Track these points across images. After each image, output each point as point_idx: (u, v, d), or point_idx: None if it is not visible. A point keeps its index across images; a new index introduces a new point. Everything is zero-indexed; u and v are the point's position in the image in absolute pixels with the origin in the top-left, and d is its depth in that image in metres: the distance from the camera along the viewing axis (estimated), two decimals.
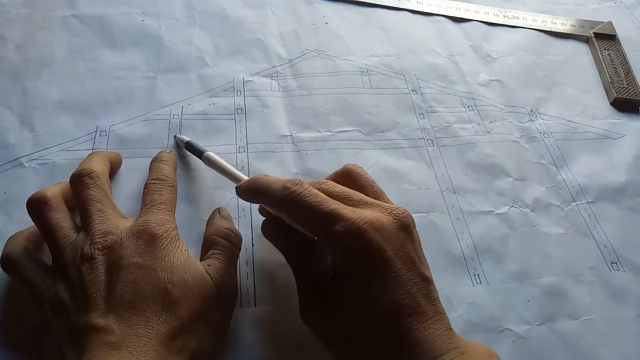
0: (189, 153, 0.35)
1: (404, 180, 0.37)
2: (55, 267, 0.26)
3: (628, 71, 0.47)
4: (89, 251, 0.25)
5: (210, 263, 0.27)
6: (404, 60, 0.46)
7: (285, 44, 0.45)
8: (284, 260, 0.29)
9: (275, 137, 0.38)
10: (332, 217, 0.25)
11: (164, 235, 0.27)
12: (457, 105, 0.43)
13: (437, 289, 0.26)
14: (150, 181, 0.30)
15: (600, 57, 0.48)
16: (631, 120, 0.44)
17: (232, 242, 0.29)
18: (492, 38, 0.49)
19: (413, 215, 0.27)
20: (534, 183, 0.38)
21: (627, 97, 0.45)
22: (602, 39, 0.50)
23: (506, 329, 0.31)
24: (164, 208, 0.29)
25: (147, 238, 0.26)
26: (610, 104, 0.45)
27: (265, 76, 0.42)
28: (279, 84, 0.42)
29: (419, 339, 0.23)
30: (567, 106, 0.44)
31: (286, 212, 0.27)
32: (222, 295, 0.27)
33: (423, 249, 0.27)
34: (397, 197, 0.36)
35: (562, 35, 0.51)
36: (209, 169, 0.34)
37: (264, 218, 0.30)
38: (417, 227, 0.27)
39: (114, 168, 0.33)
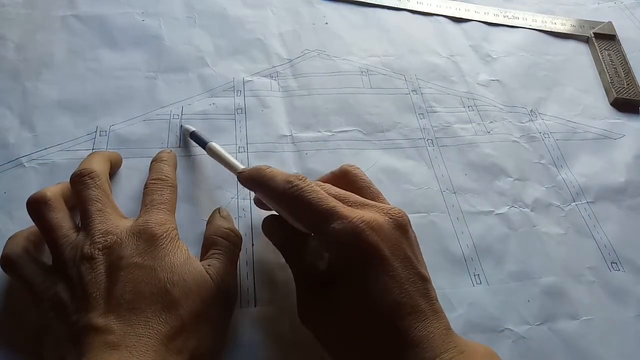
0: (189, 153, 0.35)
1: (404, 180, 0.37)
2: (55, 267, 0.26)
3: (628, 71, 0.47)
4: (89, 251, 0.25)
5: (211, 263, 0.27)
6: (404, 60, 0.46)
7: (285, 44, 0.45)
8: (284, 260, 0.29)
9: (275, 137, 0.38)
10: (330, 215, 0.25)
11: (164, 235, 0.27)
12: (457, 105, 0.43)
13: (437, 288, 0.26)
14: (151, 181, 0.30)
15: (600, 57, 0.48)
16: (631, 120, 0.44)
17: (232, 242, 0.29)
18: (492, 38, 0.49)
19: (413, 215, 0.27)
20: (534, 183, 0.38)
21: (627, 97, 0.45)
22: (602, 39, 0.50)
23: (506, 329, 0.31)
24: (164, 208, 0.29)
25: (147, 238, 0.26)
26: (610, 104, 0.45)
27: (265, 76, 0.42)
28: (279, 84, 0.42)
29: (417, 338, 0.23)
30: (567, 106, 0.44)
31: (286, 206, 0.27)
32: (222, 295, 0.27)
33: (423, 249, 0.27)
34: (397, 197, 0.36)
35: (562, 35, 0.51)
36: (209, 168, 0.34)
37: (265, 216, 0.30)
38: (417, 227, 0.27)
39: (114, 168, 0.33)
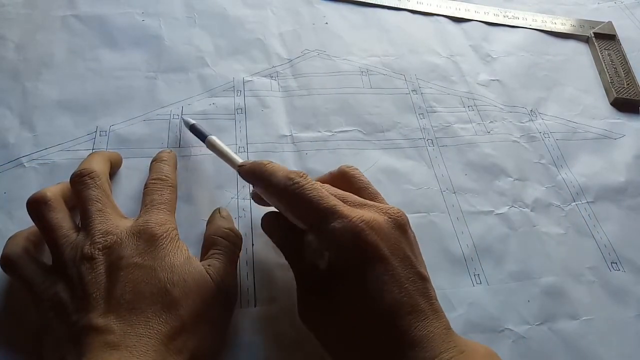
0: (189, 153, 0.35)
1: (404, 180, 0.37)
2: (55, 267, 0.26)
3: (628, 71, 0.47)
4: (89, 251, 0.25)
5: (211, 263, 0.27)
6: (404, 60, 0.46)
7: (285, 44, 0.45)
8: (284, 260, 0.29)
9: (275, 137, 0.38)
10: (331, 213, 0.25)
11: (164, 235, 0.27)
12: (457, 105, 0.43)
13: (437, 288, 0.26)
14: (151, 181, 0.30)
15: (600, 57, 0.48)
16: (631, 120, 0.44)
17: (233, 242, 0.29)
18: (492, 38, 0.49)
19: (413, 215, 0.27)
20: (534, 183, 0.38)
21: (627, 97, 0.45)
22: (602, 39, 0.50)
23: (506, 328, 0.31)
24: (164, 208, 0.29)
25: (147, 238, 0.26)
26: (610, 104, 0.45)
27: (265, 76, 0.42)
28: (279, 84, 0.42)
29: (417, 337, 0.23)
30: (567, 106, 0.44)
31: (286, 202, 0.27)
32: (222, 295, 0.27)
33: (423, 249, 0.27)
34: (397, 197, 0.36)
35: (562, 35, 0.51)
36: (209, 168, 0.34)
37: (264, 213, 0.30)
38: (417, 227, 0.27)
39: (114, 168, 0.33)
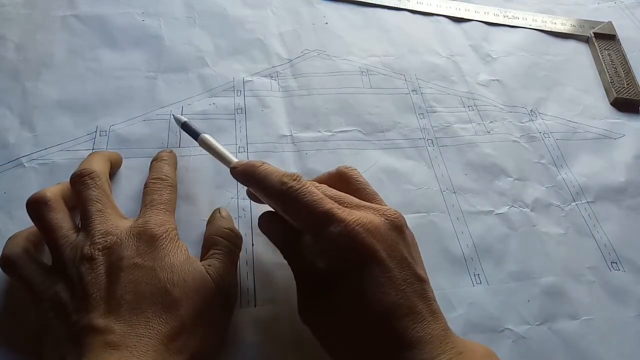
0: (189, 153, 0.35)
1: (404, 180, 0.37)
2: (55, 267, 0.26)
3: (628, 71, 0.47)
4: (89, 251, 0.25)
5: (211, 263, 0.27)
6: (404, 60, 0.46)
7: (285, 44, 0.45)
8: (284, 260, 0.29)
9: (275, 137, 0.38)
10: (326, 218, 0.25)
11: (164, 235, 0.27)
12: (457, 105, 0.43)
13: (437, 288, 0.26)
14: (151, 180, 0.30)
15: (600, 57, 0.48)
16: (631, 120, 0.44)
17: (233, 242, 0.29)
18: (492, 38, 0.49)
19: (413, 215, 0.27)
20: (534, 183, 0.38)
21: (627, 97, 0.45)
22: (602, 39, 0.50)
23: (506, 328, 0.31)
24: (163, 208, 0.29)
25: (147, 239, 0.26)
26: (610, 104, 0.45)
27: (265, 76, 0.42)
28: (279, 84, 0.42)
29: (415, 339, 0.23)
30: (567, 106, 0.44)
31: (280, 206, 0.27)
32: (223, 295, 0.27)
33: (423, 249, 0.27)
34: (397, 197, 0.36)
35: (562, 35, 0.51)
36: (209, 168, 0.34)
37: (261, 213, 0.30)
38: (417, 227, 0.27)
39: (114, 168, 0.33)
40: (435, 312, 0.24)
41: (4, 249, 0.27)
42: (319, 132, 0.39)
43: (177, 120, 0.35)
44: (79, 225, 0.28)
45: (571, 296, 0.33)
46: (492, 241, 0.34)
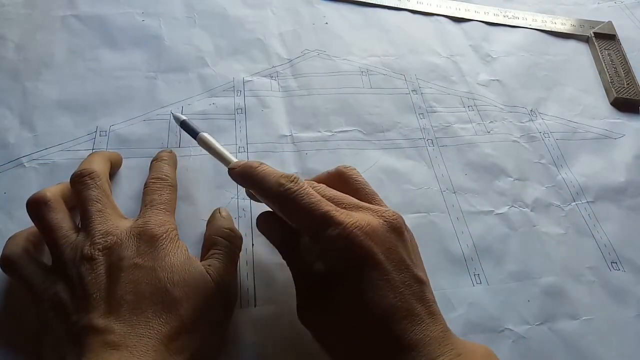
0: (189, 153, 0.35)
1: (404, 180, 0.37)
2: (55, 268, 0.26)
3: (628, 71, 0.47)
4: (89, 252, 0.25)
5: (211, 263, 0.27)
6: (404, 60, 0.46)
7: (285, 44, 0.45)
8: (284, 260, 0.29)
9: (275, 137, 0.38)
10: (324, 220, 0.24)
11: (164, 235, 0.27)
12: (457, 105, 0.43)
13: (437, 288, 0.26)
14: (151, 180, 0.30)
15: (600, 57, 0.48)
16: (631, 120, 0.44)
17: (233, 242, 0.29)
18: (492, 38, 0.49)
19: (413, 215, 0.27)
20: (534, 183, 0.38)
21: (627, 97, 0.45)
22: (602, 39, 0.50)
23: (506, 328, 0.31)
24: (163, 208, 0.29)
25: (147, 239, 0.26)
26: (610, 103, 0.45)
27: (265, 76, 0.42)
28: (279, 84, 0.42)
29: (413, 341, 0.23)
30: (567, 106, 0.44)
31: (279, 208, 0.27)
32: (223, 295, 0.27)
33: (422, 249, 0.27)
34: (397, 197, 0.36)
35: (562, 35, 0.51)
36: (209, 168, 0.33)
37: (260, 213, 0.30)
38: (417, 227, 0.27)
39: (114, 168, 0.33)
40: (434, 314, 0.24)
41: (4, 249, 0.27)
42: (319, 132, 0.39)
43: (176, 119, 0.34)
44: (79, 226, 0.28)
45: (571, 296, 0.33)
46: (492, 241, 0.34)
